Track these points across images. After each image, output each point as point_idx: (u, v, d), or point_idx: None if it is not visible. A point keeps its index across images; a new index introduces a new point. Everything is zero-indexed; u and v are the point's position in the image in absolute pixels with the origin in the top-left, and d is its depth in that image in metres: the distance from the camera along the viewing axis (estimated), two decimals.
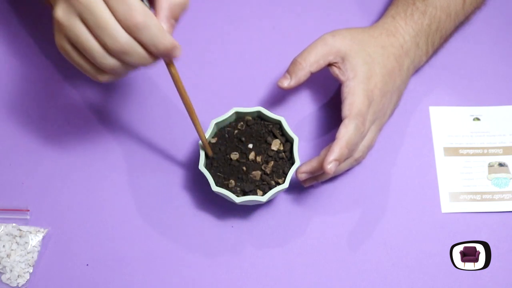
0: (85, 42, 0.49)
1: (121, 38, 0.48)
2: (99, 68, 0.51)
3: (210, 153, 0.63)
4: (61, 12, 0.49)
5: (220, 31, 0.78)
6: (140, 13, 0.47)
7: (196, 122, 0.60)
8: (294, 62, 0.66)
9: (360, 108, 0.62)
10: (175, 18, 0.52)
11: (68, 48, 0.51)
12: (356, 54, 0.65)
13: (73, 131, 0.71)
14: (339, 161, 0.60)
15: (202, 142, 0.62)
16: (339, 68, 0.65)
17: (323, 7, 0.79)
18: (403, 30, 0.67)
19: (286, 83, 0.66)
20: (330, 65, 0.66)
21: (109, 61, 0.50)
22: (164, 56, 0.51)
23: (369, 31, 0.67)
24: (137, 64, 0.51)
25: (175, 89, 0.56)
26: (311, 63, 0.65)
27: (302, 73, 0.65)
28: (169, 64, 0.54)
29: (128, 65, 0.51)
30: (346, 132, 0.61)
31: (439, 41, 0.71)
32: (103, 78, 0.52)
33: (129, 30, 0.48)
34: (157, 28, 0.48)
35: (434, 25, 0.68)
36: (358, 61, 0.64)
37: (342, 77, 0.65)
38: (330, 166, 0.60)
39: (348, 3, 0.79)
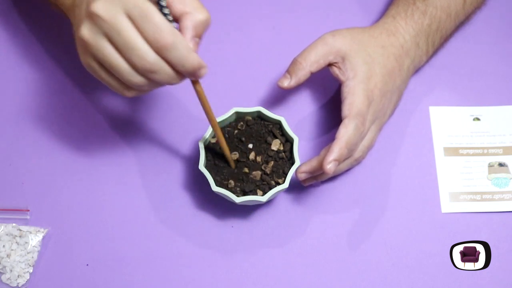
0: (113, 61, 0.49)
1: (150, 57, 0.48)
2: (126, 85, 0.52)
3: (233, 166, 0.63)
4: (87, 32, 0.49)
5: (220, 31, 0.77)
6: (168, 33, 0.47)
7: (221, 138, 0.61)
8: (294, 62, 0.66)
9: (360, 108, 0.62)
10: (199, 36, 0.52)
11: (95, 66, 0.51)
12: (356, 54, 0.65)
13: (73, 131, 0.71)
14: (339, 161, 0.60)
15: (227, 156, 0.62)
16: (339, 68, 0.65)
17: (323, 7, 0.79)
18: (404, 30, 0.67)
19: (286, 83, 0.66)
20: (330, 65, 0.66)
21: (137, 79, 0.50)
22: (191, 76, 0.52)
23: (369, 31, 0.67)
24: (164, 82, 0.51)
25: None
26: (311, 63, 0.65)
27: (302, 73, 0.65)
28: (195, 82, 0.54)
29: (155, 82, 0.51)
30: (345, 132, 0.61)
31: (440, 41, 0.71)
32: (130, 94, 0.53)
33: (158, 50, 0.48)
34: (185, 48, 0.49)
35: (434, 25, 0.68)
36: (358, 61, 0.64)
37: (342, 77, 0.65)
38: (330, 166, 0.60)
39: (348, 3, 0.79)
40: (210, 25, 0.53)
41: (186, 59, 0.49)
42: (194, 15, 0.51)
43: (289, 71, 0.66)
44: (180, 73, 0.51)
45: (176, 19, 0.52)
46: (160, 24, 0.47)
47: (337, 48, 0.65)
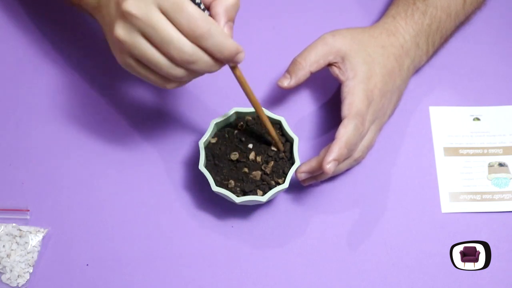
0: (151, 57, 0.49)
1: (187, 49, 0.48)
2: (166, 78, 0.52)
3: (281, 148, 0.63)
4: (121, 31, 0.49)
5: None
6: (203, 21, 0.48)
7: (266, 120, 0.61)
8: (294, 62, 0.66)
9: (359, 108, 0.62)
10: (232, 20, 0.53)
11: (134, 64, 0.51)
12: (356, 54, 0.65)
13: (73, 131, 0.71)
14: (338, 161, 0.60)
15: (273, 138, 0.62)
16: (339, 68, 0.65)
17: (323, 7, 0.79)
18: (404, 30, 0.67)
19: (286, 83, 0.66)
20: (330, 65, 0.66)
21: (176, 71, 0.50)
22: (229, 62, 0.52)
23: (369, 31, 0.67)
24: (204, 71, 0.51)
25: (242, 91, 0.57)
26: (311, 63, 0.65)
27: (302, 73, 0.65)
28: (233, 68, 0.55)
29: (194, 72, 0.51)
30: (345, 132, 0.61)
31: (440, 41, 0.71)
32: (171, 86, 0.53)
33: (194, 40, 0.48)
34: (221, 35, 0.49)
35: (434, 25, 0.68)
36: (358, 61, 0.64)
37: (342, 77, 0.65)
38: (329, 166, 0.60)
39: (348, 3, 0.79)
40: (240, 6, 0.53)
41: (223, 46, 0.49)
42: (224, 0, 0.51)
43: (289, 71, 0.66)
44: (219, 60, 0.51)
45: (207, 7, 0.52)
46: (193, 13, 0.47)
47: (337, 48, 0.65)
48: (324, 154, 0.61)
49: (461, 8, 0.70)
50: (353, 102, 0.62)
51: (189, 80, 0.54)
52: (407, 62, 0.67)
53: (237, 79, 0.56)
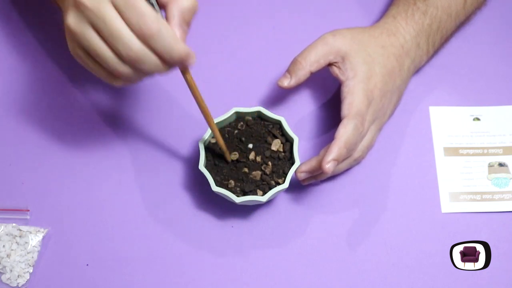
0: (98, 50, 0.48)
1: (134, 46, 0.48)
2: (113, 74, 0.51)
3: (228, 158, 0.63)
4: (72, 20, 0.48)
5: (220, 31, 0.77)
6: (153, 21, 0.47)
7: (214, 128, 0.60)
8: (294, 62, 0.66)
9: (359, 108, 0.62)
10: (187, 23, 0.51)
11: (82, 54, 0.51)
12: (356, 54, 0.65)
13: (73, 131, 0.71)
14: (338, 161, 0.60)
15: (221, 147, 0.62)
16: (339, 67, 0.65)
17: (323, 7, 0.79)
18: (404, 30, 0.67)
19: (286, 83, 0.66)
20: (330, 64, 0.66)
21: (123, 69, 0.49)
22: (178, 65, 0.51)
23: (369, 31, 0.67)
24: (151, 71, 0.50)
25: (191, 96, 0.56)
26: (311, 63, 0.65)
27: (302, 73, 0.65)
28: (184, 71, 0.53)
29: (142, 72, 0.50)
30: (345, 132, 0.61)
31: (440, 41, 0.71)
32: (118, 83, 0.52)
33: (143, 38, 0.47)
34: (171, 36, 0.48)
35: (435, 25, 0.68)
36: (358, 61, 0.64)
37: (342, 77, 0.65)
38: (329, 166, 0.59)
39: (348, 3, 0.79)
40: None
41: (172, 48, 0.48)
42: (180, 1, 0.50)
43: (289, 71, 0.66)
44: (168, 63, 0.50)
45: (163, 8, 0.51)
46: (144, 12, 0.47)
47: (337, 48, 0.65)
48: (324, 154, 0.61)
49: (461, 8, 0.70)
50: (353, 102, 0.62)
51: (138, 80, 0.52)
52: (407, 62, 0.67)
53: (187, 84, 0.55)
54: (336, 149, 0.60)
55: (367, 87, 0.64)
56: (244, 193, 0.62)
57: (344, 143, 0.60)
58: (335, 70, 0.66)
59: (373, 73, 0.64)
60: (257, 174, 0.63)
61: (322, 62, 0.65)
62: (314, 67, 0.65)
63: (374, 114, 0.64)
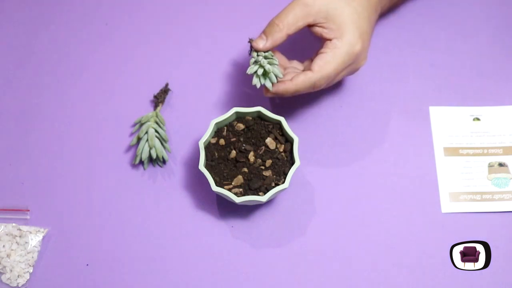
0: None
1: None
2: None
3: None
4: None
5: (220, 31, 0.78)
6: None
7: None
8: (270, 23, 0.64)
9: (329, 73, 0.62)
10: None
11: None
12: (341, 13, 0.63)
13: (73, 131, 0.71)
14: (277, 95, 0.64)
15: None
16: (322, 27, 0.63)
17: None
18: None
19: (261, 44, 0.64)
20: (310, 26, 0.64)
21: None
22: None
23: None
24: None
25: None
26: (288, 25, 0.63)
27: (278, 35, 0.63)
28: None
29: None
30: (302, 82, 0.62)
31: None
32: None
33: None
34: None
35: None
36: (343, 20, 0.63)
37: (327, 35, 0.63)
38: (268, 95, 0.64)
39: None
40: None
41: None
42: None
43: (265, 32, 0.64)
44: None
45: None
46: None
47: (317, 9, 0.63)
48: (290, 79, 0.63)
49: None
50: (329, 63, 0.62)
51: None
52: (378, 10, 0.68)
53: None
54: (283, 89, 0.63)
55: (352, 50, 0.62)
56: (244, 193, 0.62)
57: (294, 90, 0.63)
58: (317, 29, 0.64)
59: (361, 31, 0.63)
60: (257, 174, 0.63)
61: (301, 25, 0.63)
62: (291, 30, 0.63)
63: (345, 72, 0.65)
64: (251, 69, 0.63)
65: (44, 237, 0.65)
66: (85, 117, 0.72)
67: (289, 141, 0.64)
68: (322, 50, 0.63)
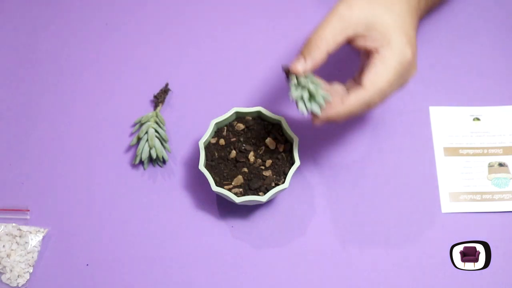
0: None
1: None
2: None
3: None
4: None
5: (220, 31, 0.78)
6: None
7: None
8: (308, 42, 0.57)
9: (382, 87, 0.56)
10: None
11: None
12: (383, 19, 0.56)
13: (73, 131, 0.71)
14: (329, 121, 0.57)
15: None
16: (364, 36, 0.57)
17: (323, 7, 0.79)
18: None
19: (301, 67, 0.56)
20: (350, 40, 0.58)
21: None
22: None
23: None
24: None
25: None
26: (327, 42, 0.56)
27: (318, 55, 0.56)
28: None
29: None
30: (355, 102, 0.56)
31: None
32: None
33: None
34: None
35: None
36: (388, 27, 0.56)
37: (372, 44, 0.56)
38: (318, 124, 0.57)
39: None
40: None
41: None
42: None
43: (302, 53, 0.57)
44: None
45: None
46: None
47: (356, 19, 0.56)
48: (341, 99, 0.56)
49: None
50: (381, 76, 0.55)
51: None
52: (418, 14, 0.61)
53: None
54: (335, 114, 0.56)
55: (404, 58, 0.56)
56: (245, 193, 0.62)
57: (346, 112, 0.56)
58: (359, 42, 0.57)
59: (408, 37, 0.57)
60: (257, 174, 0.63)
61: (340, 39, 0.57)
62: (331, 47, 0.56)
63: (397, 84, 0.57)
64: (294, 94, 0.56)
65: (44, 237, 0.65)
66: (85, 117, 0.72)
67: (289, 141, 0.64)
68: (370, 63, 0.56)
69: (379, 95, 0.56)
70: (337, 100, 0.57)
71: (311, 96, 0.56)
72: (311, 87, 0.56)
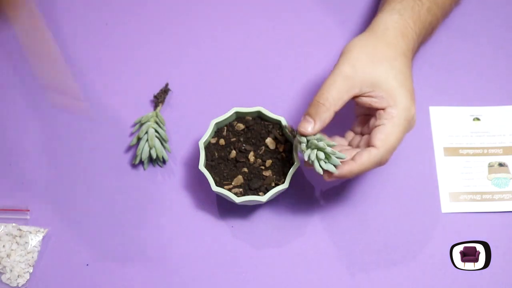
0: None
1: None
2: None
3: None
4: None
5: (221, 31, 0.78)
6: None
7: None
8: (315, 104, 0.59)
9: (393, 144, 0.58)
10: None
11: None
12: (386, 77, 0.59)
13: (73, 131, 0.71)
14: (341, 178, 0.59)
15: None
16: (370, 96, 0.59)
17: (323, 7, 0.79)
18: (412, 30, 0.63)
19: (310, 128, 0.59)
20: (355, 97, 0.60)
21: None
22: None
23: (384, 37, 0.61)
24: None
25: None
26: (334, 102, 0.58)
27: (326, 115, 0.58)
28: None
29: None
30: (367, 161, 0.58)
31: (427, 38, 0.69)
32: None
33: None
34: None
35: (432, 24, 0.67)
36: (392, 85, 0.59)
37: (379, 105, 0.59)
38: (330, 180, 0.59)
39: (348, 3, 0.79)
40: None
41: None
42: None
43: (310, 114, 0.59)
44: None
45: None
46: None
47: (361, 79, 0.58)
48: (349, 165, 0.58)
49: (448, 4, 0.69)
50: (391, 135, 0.58)
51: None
52: (412, 58, 0.64)
53: None
54: (348, 172, 0.58)
55: (409, 114, 0.59)
56: (245, 193, 0.62)
57: (359, 170, 0.58)
58: (364, 100, 0.59)
59: (411, 92, 0.59)
60: (257, 174, 0.63)
61: (346, 98, 0.59)
62: (338, 106, 0.58)
63: (403, 137, 0.60)
64: (310, 155, 0.58)
65: (44, 237, 0.65)
66: (85, 117, 0.72)
67: (289, 141, 0.64)
68: (378, 122, 0.58)
69: (390, 152, 0.59)
70: (348, 158, 0.59)
71: (327, 156, 0.58)
72: (328, 149, 0.57)
